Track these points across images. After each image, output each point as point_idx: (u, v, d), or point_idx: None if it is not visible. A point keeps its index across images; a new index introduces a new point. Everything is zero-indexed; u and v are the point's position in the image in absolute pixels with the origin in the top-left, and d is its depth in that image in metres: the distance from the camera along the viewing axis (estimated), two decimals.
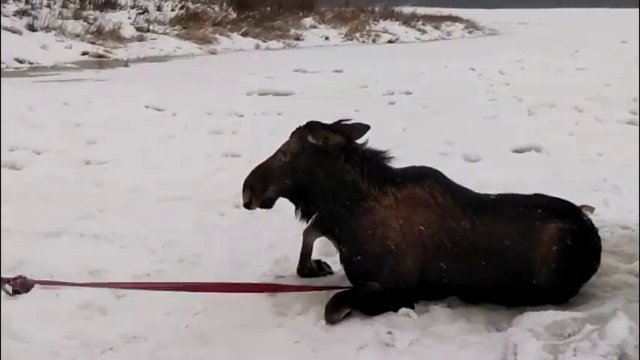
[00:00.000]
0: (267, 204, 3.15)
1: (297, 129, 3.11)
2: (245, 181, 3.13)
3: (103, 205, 4.36)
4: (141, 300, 3.02)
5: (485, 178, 4.94)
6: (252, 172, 3.14)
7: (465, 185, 3.22)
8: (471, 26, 33.70)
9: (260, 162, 3.19)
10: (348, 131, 3.06)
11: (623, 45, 21.30)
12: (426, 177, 3.03)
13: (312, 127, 3.05)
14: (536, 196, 3.18)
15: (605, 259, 3.41)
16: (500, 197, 3.13)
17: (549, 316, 2.76)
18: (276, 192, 3.11)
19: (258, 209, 3.17)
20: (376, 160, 3.07)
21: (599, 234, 3.20)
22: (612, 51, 18.87)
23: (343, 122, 3.07)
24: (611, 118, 7.74)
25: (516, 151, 6.17)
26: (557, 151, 6.10)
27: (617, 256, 3.63)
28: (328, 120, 3.12)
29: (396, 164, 3.13)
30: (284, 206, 3.25)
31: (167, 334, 2.75)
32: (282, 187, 3.09)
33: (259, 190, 3.10)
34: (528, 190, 3.37)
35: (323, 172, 3.01)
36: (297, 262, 3.33)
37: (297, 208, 3.16)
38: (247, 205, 3.15)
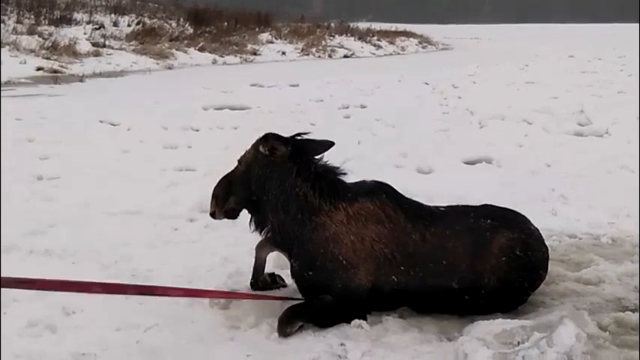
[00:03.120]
0: (231, 214, 3.17)
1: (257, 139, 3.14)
2: (212, 190, 3.17)
3: (54, 221, 4.29)
4: (91, 316, 2.98)
5: (437, 189, 5.03)
6: (218, 182, 3.18)
7: (418, 197, 3.26)
8: (424, 41, 34.27)
9: (220, 175, 3.21)
10: (305, 145, 3.08)
11: (571, 59, 21.90)
12: (377, 192, 3.06)
13: (265, 137, 3.07)
14: (485, 206, 3.25)
15: (553, 268, 3.51)
16: (450, 209, 3.18)
17: (499, 324, 2.81)
18: (237, 202, 3.13)
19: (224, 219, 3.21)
20: (328, 174, 3.09)
21: (547, 243, 3.29)
22: (560, 65, 19.35)
23: (301, 136, 3.10)
24: (558, 129, 7.92)
25: (468, 163, 6.26)
26: (507, 162, 6.21)
27: (564, 265, 3.73)
28: (285, 134, 3.14)
29: (351, 177, 3.16)
30: (238, 220, 3.25)
31: (117, 350, 2.72)
32: (240, 197, 3.11)
33: (222, 199, 3.13)
34: (479, 200, 3.44)
35: (274, 185, 3.03)
36: (250, 276, 3.33)
37: (251, 219, 3.17)
38: (212, 215, 3.19)
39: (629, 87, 12.53)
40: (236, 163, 3.18)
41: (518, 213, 3.24)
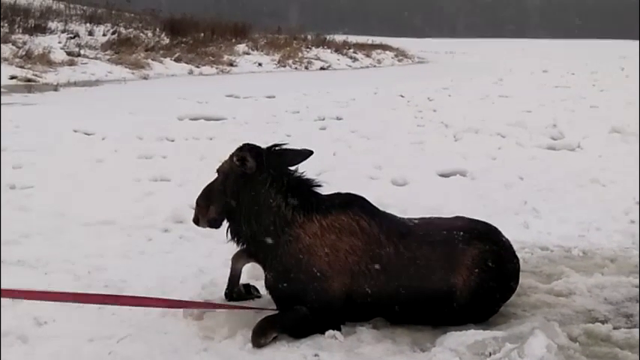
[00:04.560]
0: (213, 223, 3.18)
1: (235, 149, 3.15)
2: (196, 199, 3.20)
3: (27, 231, 4.25)
4: (63, 327, 2.95)
5: (412, 201, 5.08)
6: (202, 191, 3.21)
7: (392, 208, 3.29)
8: (400, 55, 34.48)
9: (195, 186, 3.23)
10: (281, 155, 3.08)
11: (544, 74, 22.21)
12: (351, 204, 3.08)
13: (240, 148, 3.09)
14: (457, 218, 3.29)
15: (525, 280, 3.56)
16: (422, 221, 3.21)
17: (471, 335, 2.85)
18: (217, 212, 3.14)
19: (208, 228, 3.23)
20: (302, 186, 3.10)
21: (519, 255, 3.33)
22: (534, 79, 19.61)
23: (278, 146, 3.11)
24: (531, 143, 8.04)
25: (442, 175, 6.31)
26: (480, 174, 6.27)
27: (536, 277, 3.79)
28: (261, 145, 3.15)
29: (327, 188, 3.17)
30: (213, 231, 3.26)
31: None
32: (219, 207, 3.12)
33: (204, 208, 3.16)
34: (454, 212, 3.47)
35: (248, 196, 3.04)
36: (225, 287, 3.32)
37: (227, 228, 3.17)
38: (195, 222, 3.23)
39: (601, 102, 12.76)
40: (215, 173, 3.19)
41: (489, 225, 3.28)
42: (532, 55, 37.97)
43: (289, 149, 3.11)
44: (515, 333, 2.87)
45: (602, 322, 3.15)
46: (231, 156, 3.10)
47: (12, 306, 3.11)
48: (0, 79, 12.55)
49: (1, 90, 13.14)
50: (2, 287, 2.70)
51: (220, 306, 3.16)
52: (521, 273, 3.29)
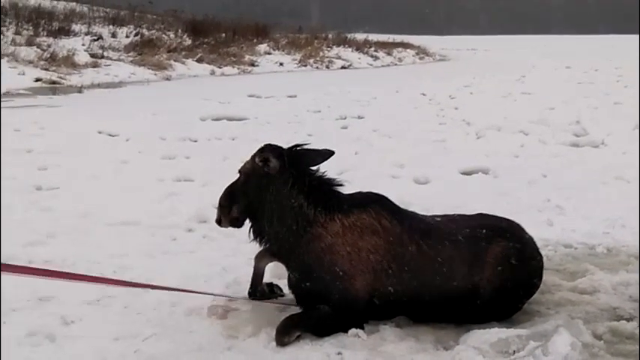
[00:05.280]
0: (235, 223, 3.20)
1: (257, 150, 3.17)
2: (218, 199, 3.22)
3: (53, 231, 4.32)
4: (89, 326, 3.00)
5: (434, 199, 5.07)
6: (224, 191, 3.22)
7: (414, 207, 3.29)
8: (422, 52, 34.38)
9: (218, 186, 3.26)
10: (302, 155, 3.10)
11: (567, 70, 22.00)
12: (372, 203, 3.08)
13: (262, 148, 3.11)
14: (480, 215, 3.28)
15: (549, 277, 3.54)
16: (445, 219, 3.21)
17: (495, 333, 2.84)
18: (240, 211, 3.16)
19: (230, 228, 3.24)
20: (324, 186, 3.11)
21: (543, 253, 3.32)
22: (557, 76, 19.44)
23: (299, 146, 3.12)
24: (554, 140, 7.98)
25: (464, 173, 6.29)
26: (503, 172, 6.24)
27: (560, 274, 3.76)
28: (283, 144, 3.17)
29: (348, 187, 3.18)
30: (236, 230, 3.28)
31: None
32: (242, 207, 3.15)
33: (226, 208, 3.17)
34: (476, 211, 3.46)
35: (270, 195, 3.05)
36: (248, 286, 3.35)
37: (250, 228, 3.19)
38: (218, 222, 3.24)
39: (625, 98, 12.61)
40: (237, 174, 3.21)
41: (512, 222, 3.27)
42: (555, 51, 37.62)
43: (310, 149, 3.12)
44: (539, 331, 2.86)
45: (627, 320, 3.12)
46: (253, 156, 3.12)
47: (39, 306, 3.17)
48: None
49: (24, 92, 13.34)
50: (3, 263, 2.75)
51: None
52: (545, 271, 3.28)
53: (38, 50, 17.90)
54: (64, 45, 18.97)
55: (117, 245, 4.10)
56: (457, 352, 2.77)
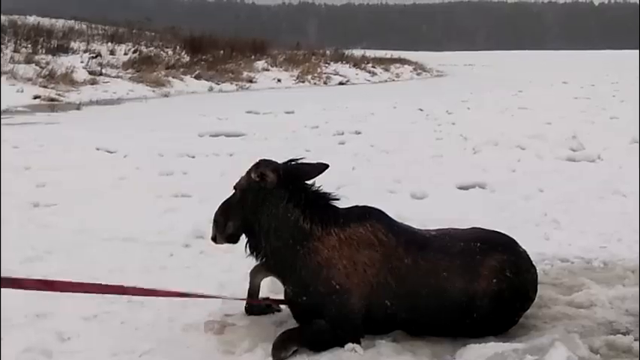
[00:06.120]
0: (231, 239, 3.21)
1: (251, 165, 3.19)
2: (213, 215, 3.23)
3: (51, 247, 4.32)
4: (86, 342, 2.99)
5: (431, 214, 5.07)
6: (218, 207, 3.23)
7: (412, 222, 3.30)
8: (419, 68, 34.55)
9: (215, 202, 3.25)
10: (297, 170, 3.12)
11: (564, 85, 22.10)
12: (368, 217, 3.09)
13: (257, 163, 3.13)
14: (474, 229, 3.30)
15: (546, 291, 3.54)
16: (440, 233, 3.22)
17: (491, 347, 2.85)
18: (235, 227, 3.16)
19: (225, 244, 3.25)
20: (320, 200, 3.12)
21: (539, 267, 3.33)
22: (554, 91, 19.52)
23: (294, 161, 3.14)
24: (551, 155, 8.00)
25: (461, 188, 6.29)
26: (500, 187, 6.25)
27: (556, 288, 3.76)
28: (281, 160, 3.18)
29: (346, 202, 3.19)
30: (233, 246, 3.28)
31: None
32: (237, 222, 3.15)
33: (222, 225, 3.18)
34: (473, 225, 3.47)
35: (266, 210, 3.06)
36: (245, 302, 3.35)
37: (247, 243, 3.20)
38: (214, 239, 3.25)
39: (621, 113, 12.67)
40: (232, 190, 3.23)
41: (505, 235, 3.28)
42: (552, 66, 37.81)
43: (305, 163, 3.14)
44: (536, 345, 2.86)
45: (624, 334, 3.12)
46: (249, 172, 3.14)
47: (36, 321, 3.17)
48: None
49: (22, 109, 13.37)
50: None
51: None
52: (541, 285, 3.29)
53: (37, 68, 18.00)
54: (62, 62, 19.07)
55: (114, 261, 4.09)
56: None
